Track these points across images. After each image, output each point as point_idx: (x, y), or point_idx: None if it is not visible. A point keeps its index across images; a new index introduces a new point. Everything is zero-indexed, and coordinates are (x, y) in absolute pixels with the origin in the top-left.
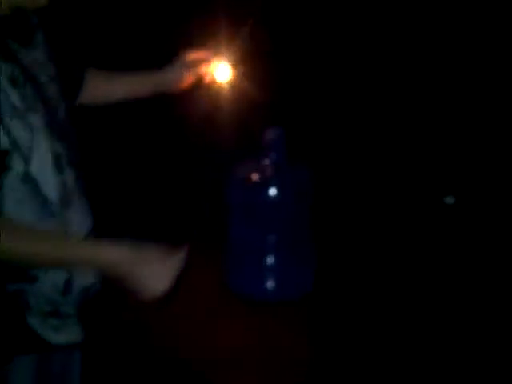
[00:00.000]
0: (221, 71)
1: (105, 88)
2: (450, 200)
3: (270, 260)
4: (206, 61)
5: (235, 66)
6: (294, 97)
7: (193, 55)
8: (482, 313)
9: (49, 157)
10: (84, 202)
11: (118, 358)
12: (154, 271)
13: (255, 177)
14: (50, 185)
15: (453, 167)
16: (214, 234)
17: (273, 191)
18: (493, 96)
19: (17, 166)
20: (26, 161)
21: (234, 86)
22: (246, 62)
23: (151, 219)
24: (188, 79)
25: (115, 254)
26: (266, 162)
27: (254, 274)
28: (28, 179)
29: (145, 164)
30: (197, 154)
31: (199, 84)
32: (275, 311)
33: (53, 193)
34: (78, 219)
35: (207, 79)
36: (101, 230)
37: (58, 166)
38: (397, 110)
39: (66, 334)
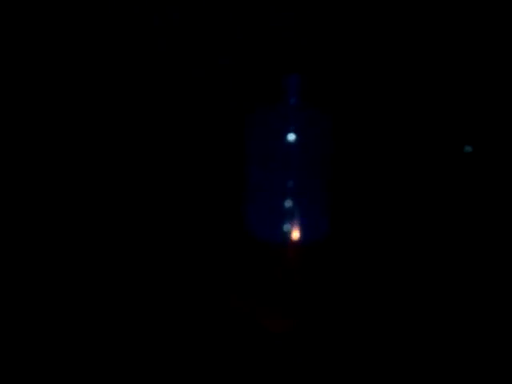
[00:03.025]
0: None
1: None
2: (468, 149)
3: (288, 204)
4: None
5: None
6: (317, 42)
7: None
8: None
9: None
10: None
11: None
12: None
13: (274, 121)
14: None
15: (472, 115)
16: (234, 179)
17: (291, 136)
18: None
19: None
20: None
21: None
22: None
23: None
24: None
25: None
26: (286, 107)
27: (272, 218)
28: None
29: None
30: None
31: None
32: (291, 253)
33: None
34: None
35: None
36: None
37: None
38: (420, 55)
39: None
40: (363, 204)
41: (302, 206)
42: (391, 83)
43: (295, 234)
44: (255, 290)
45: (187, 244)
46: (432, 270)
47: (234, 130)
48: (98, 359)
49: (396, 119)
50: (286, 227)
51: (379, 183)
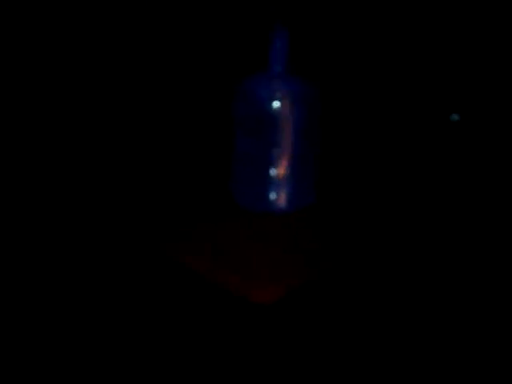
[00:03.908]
0: None
1: None
2: (455, 117)
3: (273, 173)
4: None
5: None
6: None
7: None
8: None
9: None
10: None
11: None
12: None
13: (260, 89)
14: None
15: (459, 82)
16: (221, 147)
17: (276, 103)
18: None
19: None
20: None
21: None
22: None
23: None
24: None
25: None
26: (273, 74)
27: (259, 186)
28: None
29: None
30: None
31: None
32: (279, 220)
33: None
34: None
35: None
36: None
37: None
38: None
39: None
40: (350, 174)
41: (288, 174)
42: (382, 51)
43: (281, 203)
44: (241, 260)
45: (173, 210)
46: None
47: (223, 102)
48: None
49: (386, 89)
50: (271, 196)
51: (367, 154)
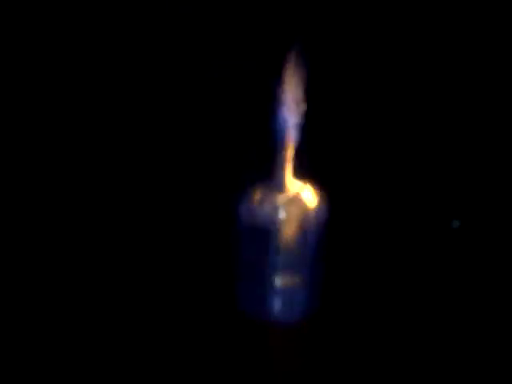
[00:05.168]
0: None
1: None
2: (456, 224)
3: (277, 281)
4: None
5: None
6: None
7: None
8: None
9: None
10: None
11: None
12: None
13: (264, 200)
14: None
15: (459, 188)
16: (226, 254)
17: (282, 214)
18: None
19: None
20: None
21: None
22: None
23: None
24: None
25: None
26: (276, 184)
27: (262, 295)
28: None
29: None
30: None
31: None
32: (281, 331)
33: None
34: None
35: None
36: None
37: None
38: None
39: None
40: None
41: (290, 281)
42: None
43: (285, 313)
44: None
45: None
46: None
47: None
48: None
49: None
50: (276, 305)
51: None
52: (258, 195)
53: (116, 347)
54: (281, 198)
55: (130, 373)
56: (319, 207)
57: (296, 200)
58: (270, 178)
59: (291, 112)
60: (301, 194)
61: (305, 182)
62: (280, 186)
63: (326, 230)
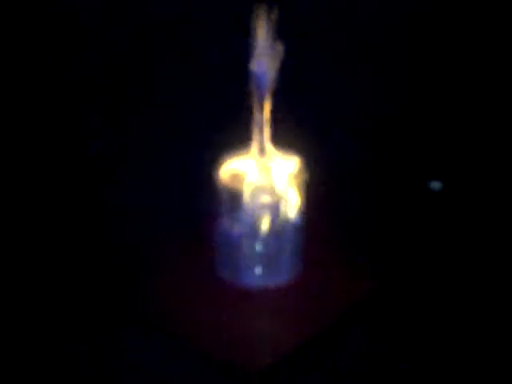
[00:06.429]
0: None
1: None
2: (436, 185)
3: (259, 247)
4: None
5: None
6: None
7: None
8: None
9: None
10: None
11: None
12: None
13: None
14: None
15: (440, 149)
16: (205, 222)
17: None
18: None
19: None
20: None
21: None
22: None
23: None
24: None
25: None
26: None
27: (243, 261)
28: None
29: None
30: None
31: None
32: (263, 296)
33: None
34: None
35: None
36: None
37: None
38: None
39: None
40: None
41: (272, 246)
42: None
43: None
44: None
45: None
46: None
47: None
48: None
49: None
50: (257, 270)
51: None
52: (236, 161)
53: None
54: (260, 167)
55: None
56: (298, 173)
57: (276, 167)
58: (249, 141)
59: (266, 68)
60: (279, 159)
61: (283, 146)
62: (259, 150)
63: (306, 196)
